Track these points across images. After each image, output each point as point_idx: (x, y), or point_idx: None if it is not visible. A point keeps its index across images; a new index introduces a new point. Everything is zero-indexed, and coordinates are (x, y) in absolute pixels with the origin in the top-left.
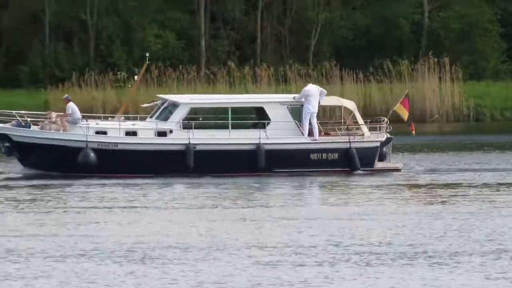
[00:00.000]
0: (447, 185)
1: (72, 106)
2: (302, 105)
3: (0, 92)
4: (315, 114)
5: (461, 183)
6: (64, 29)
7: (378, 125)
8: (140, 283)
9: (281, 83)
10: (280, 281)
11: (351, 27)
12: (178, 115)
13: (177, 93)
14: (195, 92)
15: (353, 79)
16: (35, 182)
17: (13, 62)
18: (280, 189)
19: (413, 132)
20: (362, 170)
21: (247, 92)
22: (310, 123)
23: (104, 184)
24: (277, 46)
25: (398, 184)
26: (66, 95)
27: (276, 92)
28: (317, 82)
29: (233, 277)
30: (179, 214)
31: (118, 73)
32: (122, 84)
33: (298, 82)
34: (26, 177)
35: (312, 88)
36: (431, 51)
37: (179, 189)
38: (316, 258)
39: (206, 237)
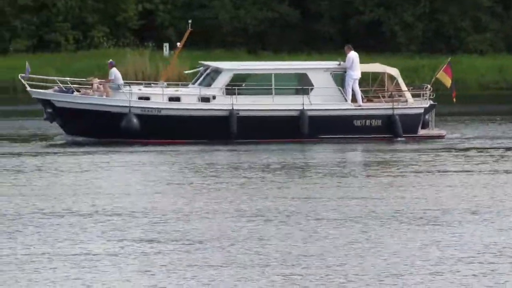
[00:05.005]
0: None
1: (115, 72)
2: (345, 72)
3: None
4: (358, 81)
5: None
6: None
7: (421, 92)
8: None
9: None
10: None
11: None
12: (221, 81)
13: None
14: None
15: None
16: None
17: None
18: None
19: (454, 99)
20: (404, 137)
21: None
22: (352, 90)
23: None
24: None
25: None
26: (110, 60)
27: None
28: None
29: None
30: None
31: None
32: None
33: None
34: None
35: (355, 55)
36: None
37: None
38: None
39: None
